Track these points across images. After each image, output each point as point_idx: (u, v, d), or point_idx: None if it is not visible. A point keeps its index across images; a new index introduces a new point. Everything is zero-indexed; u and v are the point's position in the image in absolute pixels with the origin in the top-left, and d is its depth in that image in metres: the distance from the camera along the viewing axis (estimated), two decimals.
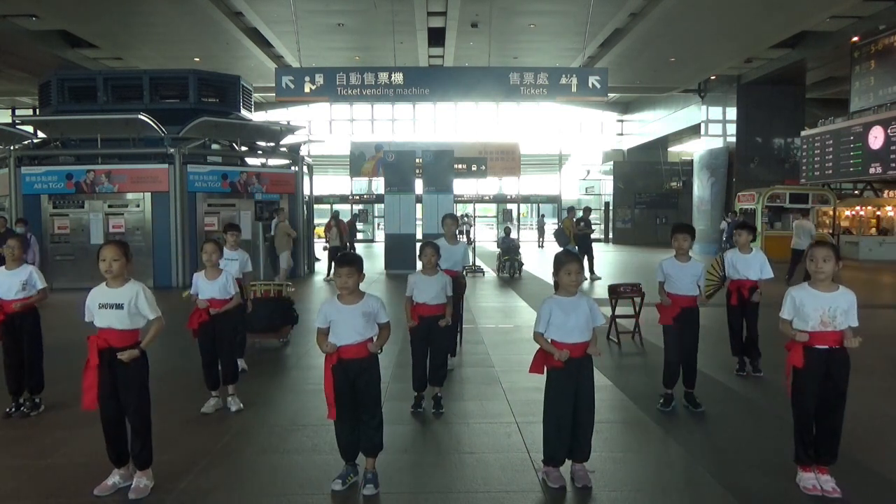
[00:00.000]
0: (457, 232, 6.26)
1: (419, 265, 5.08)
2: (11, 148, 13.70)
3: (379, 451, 3.63)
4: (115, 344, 3.48)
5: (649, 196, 30.28)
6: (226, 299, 5.02)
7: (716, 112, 23.88)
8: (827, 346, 3.44)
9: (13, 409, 4.93)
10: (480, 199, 28.34)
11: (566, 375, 3.55)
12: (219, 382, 5.06)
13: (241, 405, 5.05)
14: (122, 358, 3.43)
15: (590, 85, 13.80)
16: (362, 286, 3.62)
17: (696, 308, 4.98)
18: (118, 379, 3.49)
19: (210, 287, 4.98)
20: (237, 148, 15.49)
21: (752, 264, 5.83)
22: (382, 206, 16.39)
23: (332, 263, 14.77)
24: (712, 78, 23.11)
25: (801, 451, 3.54)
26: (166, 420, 4.66)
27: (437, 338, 4.98)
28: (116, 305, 3.50)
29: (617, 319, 7.45)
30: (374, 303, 3.57)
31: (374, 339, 3.59)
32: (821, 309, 3.42)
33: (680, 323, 4.90)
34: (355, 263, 3.55)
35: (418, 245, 6.25)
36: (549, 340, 3.59)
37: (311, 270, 17.12)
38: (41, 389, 5.06)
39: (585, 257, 14.40)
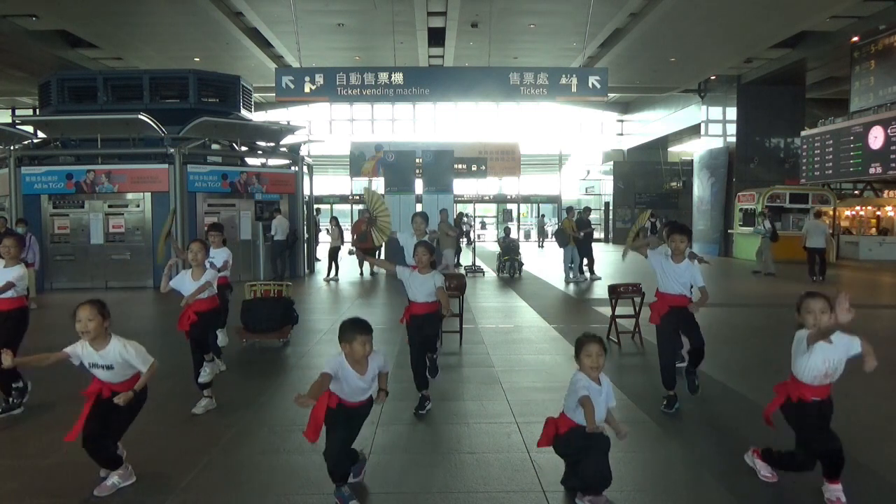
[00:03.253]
0: (426, 230, 6.27)
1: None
2: (11, 148, 13.70)
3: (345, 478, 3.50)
4: (118, 390, 3.55)
5: (649, 196, 30.29)
6: (212, 297, 5.09)
7: (716, 112, 23.87)
8: (819, 398, 3.43)
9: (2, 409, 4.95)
10: (480, 199, 28.33)
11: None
12: (210, 382, 5.06)
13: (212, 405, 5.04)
14: (119, 402, 3.48)
15: (590, 85, 13.79)
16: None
17: (687, 309, 4.94)
18: (111, 413, 3.53)
19: (195, 286, 5.02)
20: (237, 148, 15.49)
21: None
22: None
23: (332, 263, 14.98)
24: (712, 78, 23.08)
25: (810, 464, 3.49)
26: (166, 420, 4.66)
27: (429, 334, 5.01)
28: (106, 367, 3.54)
29: (617, 319, 7.45)
30: (380, 359, 3.53)
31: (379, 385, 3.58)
32: (829, 360, 3.36)
33: (672, 323, 4.90)
34: (370, 331, 3.43)
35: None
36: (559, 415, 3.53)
37: (312, 270, 17.13)
38: (10, 391, 5.03)
39: (585, 258, 14.42)
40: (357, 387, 3.43)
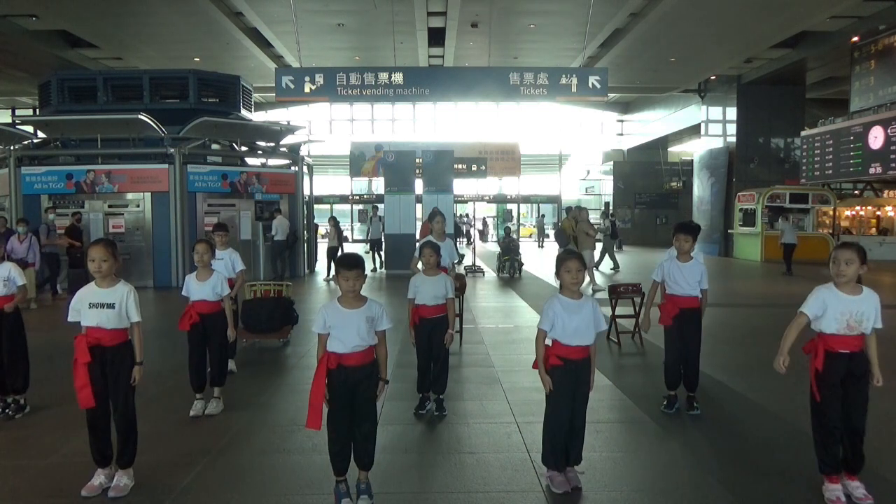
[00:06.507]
0: (445, 230, 6.21)
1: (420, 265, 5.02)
2: (11, 148, 13.70)
3: (371, 464, 3.43)
4: (105, 342, 3.51)
5: (649, 196, 30.32)
6: (217, 301, 4.96)
7: (716, 112, 23.87)
8: (849, 351, 3.38)
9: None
10: (480, 199, 28.36)
11: (565, 374, 3.52)
12: (204, 384, 4.96)
13: (222, 407, 4.98)
14: (135, 377, 3.55)
15: (590, 85, 13.79)
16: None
17: (698, 310, 4.90)
18: (108, 379, 3.52)
19: (201, 288, 4.93)
20: (237, 148, 15.49)
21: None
22: (382, 205, 16.41)
23: (331, 263, 14.97)
24: (712, 78, 23.09)
25: (829, 460, 3.42)
26: (166, 420, 4.66)
27: (437, 343, 4.86)
28: (108, 305, 3.53)
29: (617, 319, 7.45)
30: (376, 308, 3.37)
31: (376, 350, 3.40)
32: (848, 312, 3.35)
33: (680, 324, 4.86)
34: (361, 265, 3.35)
35: (417, 245, 6.17)
36: (551, 341, 3.56)
37: (312, 270, 17.14)
38: (25, 390, 5.01)
39: (607, 256, 14.45)
40: (351, 326, 3.26)
